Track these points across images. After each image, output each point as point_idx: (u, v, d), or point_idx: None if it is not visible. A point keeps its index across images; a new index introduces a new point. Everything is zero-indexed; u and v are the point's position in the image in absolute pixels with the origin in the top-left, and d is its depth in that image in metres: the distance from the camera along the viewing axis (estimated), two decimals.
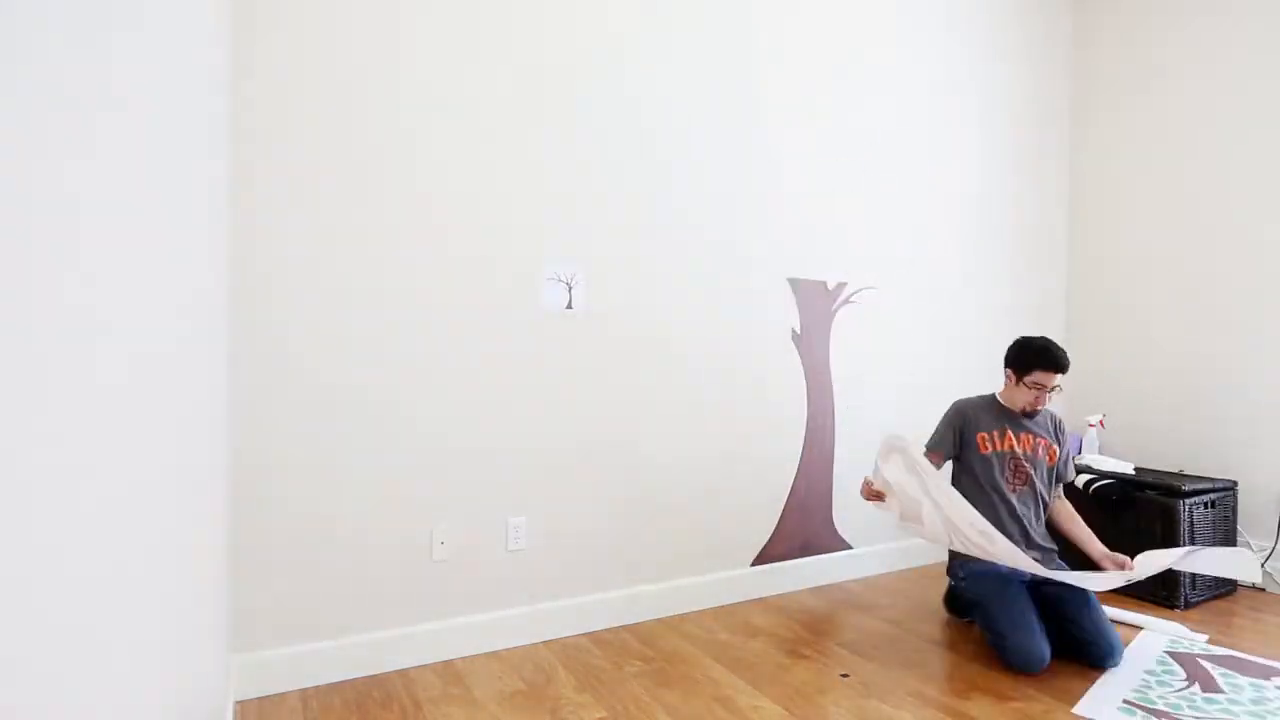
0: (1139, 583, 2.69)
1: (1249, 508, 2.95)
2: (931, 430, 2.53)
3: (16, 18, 0.40)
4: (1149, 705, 1.86)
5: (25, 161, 0.41)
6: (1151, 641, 2.32)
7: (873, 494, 2.22)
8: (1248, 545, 2.93)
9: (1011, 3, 3.40)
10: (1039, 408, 2.35)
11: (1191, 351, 3.17)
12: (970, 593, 2.28)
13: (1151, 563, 2.13)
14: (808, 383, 2.81)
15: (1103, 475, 2.91)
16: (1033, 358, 2.32)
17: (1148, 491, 2.74)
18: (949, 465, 2.49)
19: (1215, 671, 2.06)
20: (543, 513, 2.26)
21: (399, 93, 2.02)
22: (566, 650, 2.19)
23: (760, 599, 2.68)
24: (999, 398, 2.45)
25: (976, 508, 2.29)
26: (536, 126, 2.23)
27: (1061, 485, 2.48)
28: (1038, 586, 2.29)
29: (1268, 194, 2.94)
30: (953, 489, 2.16)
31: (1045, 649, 2.06)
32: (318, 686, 1.92)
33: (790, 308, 2.76)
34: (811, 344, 2.82)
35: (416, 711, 1.80)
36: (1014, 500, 2.35)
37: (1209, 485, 2.79)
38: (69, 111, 0.48)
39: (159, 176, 0.79)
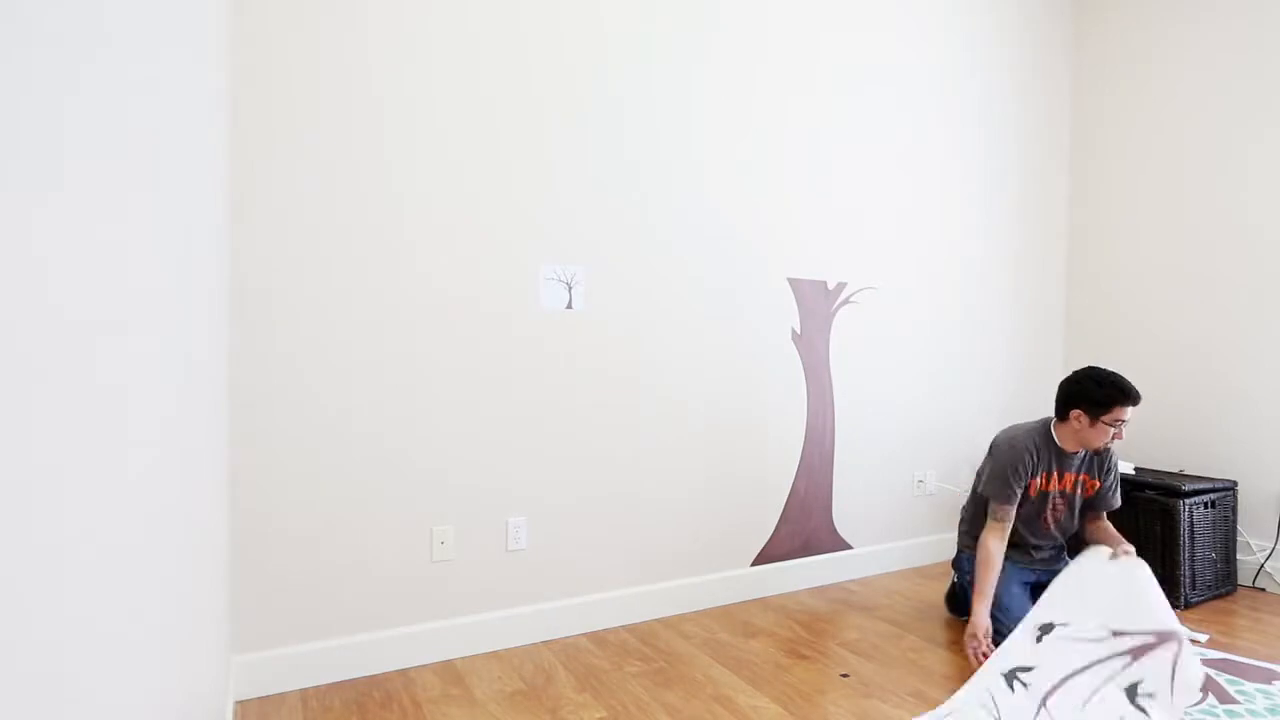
0: None
1: (1249, 508, 2.95)
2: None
3: (18, 22, 0.40)
4: None
5: (25, 160, 0.41)
6: None
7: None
8: (1248, 545, 2.93)
9: (1013, 2, 3.40)
10: (1108, 445, 2.20)
11: (1191, 352, 3.17)
12: (998, 614, 2.27)
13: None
14: (808, 383, 2.81)
15: None
16: (1112, 394, 2.13)
17: (1148, 491, 2.74)
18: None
19: (1222, 679, 2.06)
20: (543, 513, 2.26)
21: (399, 94, 2.02)
22: (566, 650, 2.19)
23: (760, 599, 2.68)
24: (1055, 435, 2.27)
25: (1010, 578, 2.30)
26: (537, 127, 2.23)
27: (1101, 513, 2.36)
28: (1040, 587, 2.29)
29: (1268, 194, 2.94)
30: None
31: None
32: (318, 686, 1.92)
33: (790, 308, 2.76)
34: (811, 344, 2.82)
35: (416, 711, 1.80)
36: (1051, 531, 2.35)
37: (1209, 485, 2.79)
38: (70, 108, 0.48)
39: (159, 176, 0.79)
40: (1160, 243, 3.29)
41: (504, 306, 2.19)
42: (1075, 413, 2.18)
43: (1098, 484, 2.32)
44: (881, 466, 3.02)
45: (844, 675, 2.05)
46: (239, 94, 1.83)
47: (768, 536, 2.74)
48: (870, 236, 2.96)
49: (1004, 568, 2.26)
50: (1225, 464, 3.03)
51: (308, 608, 1.93)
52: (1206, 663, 2.17)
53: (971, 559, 2.35)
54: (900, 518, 3.10)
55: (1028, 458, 2.24)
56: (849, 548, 2.94)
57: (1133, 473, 2.92)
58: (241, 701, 1.84)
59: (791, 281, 2.77)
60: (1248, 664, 2.17)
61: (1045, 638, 1.86)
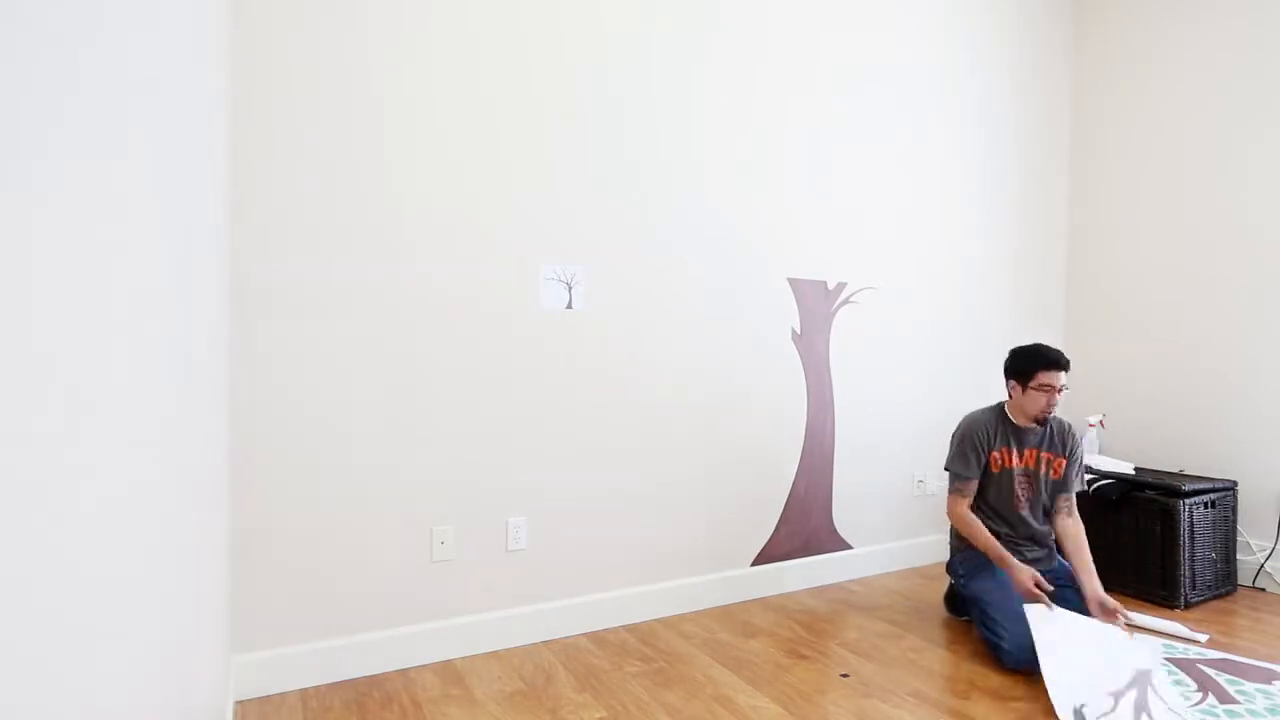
0: (1138, 582, 2.73)
1: (1249, 508, 2.95)
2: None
3: (18, 22, 0.40)
4: None
5: (26, 160, 0.41)
6: (1150, 645, 2.31)
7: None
8: (1248, 545, 2.93)
9: (1013, 2, 3.40)
10: (1052, 410, 2.31)
11: (1191, 351, 3.17)
12: (969, 590, 2.29)
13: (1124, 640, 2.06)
14: (808, 382, 2.81)
15: (1103, 475, 2.91)
16: (1033, 360, 2.31)
17: (1148, 491, 2.74)
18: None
19: (1222, 679, 2.06)
20: (543, 513, 2.26)
21: (399, 94, 2.02)
22: (566, 650, 2.19)
23: (760, 599, 2.68)
24: (1008, 411, 2.40)
25: (993, 524, 2.35)
26: (537, 127, 2.23)
27: (1071, 495, 2.38)
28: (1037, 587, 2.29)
29: (1268, 194, 2.94)
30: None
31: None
32: (318, 686, 1.92)
33: (790, 308, 2.76)
34: (811, 344, 2.82)
35: (416, 711, 1.80)
36: (1025, 514, 2.36)
37: (1209, 485, 2.79)
38: (70, 108, 0.48)
39: (159, 176, 0.79)
40: (1160, 243, 3.29)
41: (504, 306, 2.18)
42: (1011, 384, 2.37)
43: (1064, 462, 2.36)
44: (881, 466, 3.02)
45: (844, 675, 2.05)
46: (239, 94, 1.83)
47: (768, 536, 2.74)
48: (870, 236, 2.96)
49: (996, 579, 2.25)
50: (1225, 464, 3.03)
51: (308, 608, 1.93)
52: (1206, 663, 2.17)
53: (964, 561, 2.35)
54: (900, 518, 3.10)
55: (983, 431, 2.38)
56: (849, 548, 2.94)
57: (1133, 473, 2.92)
58: (241, 701, 1.84)
59: (791, 281, 2.77)
60: (1248, 664, 2.17)
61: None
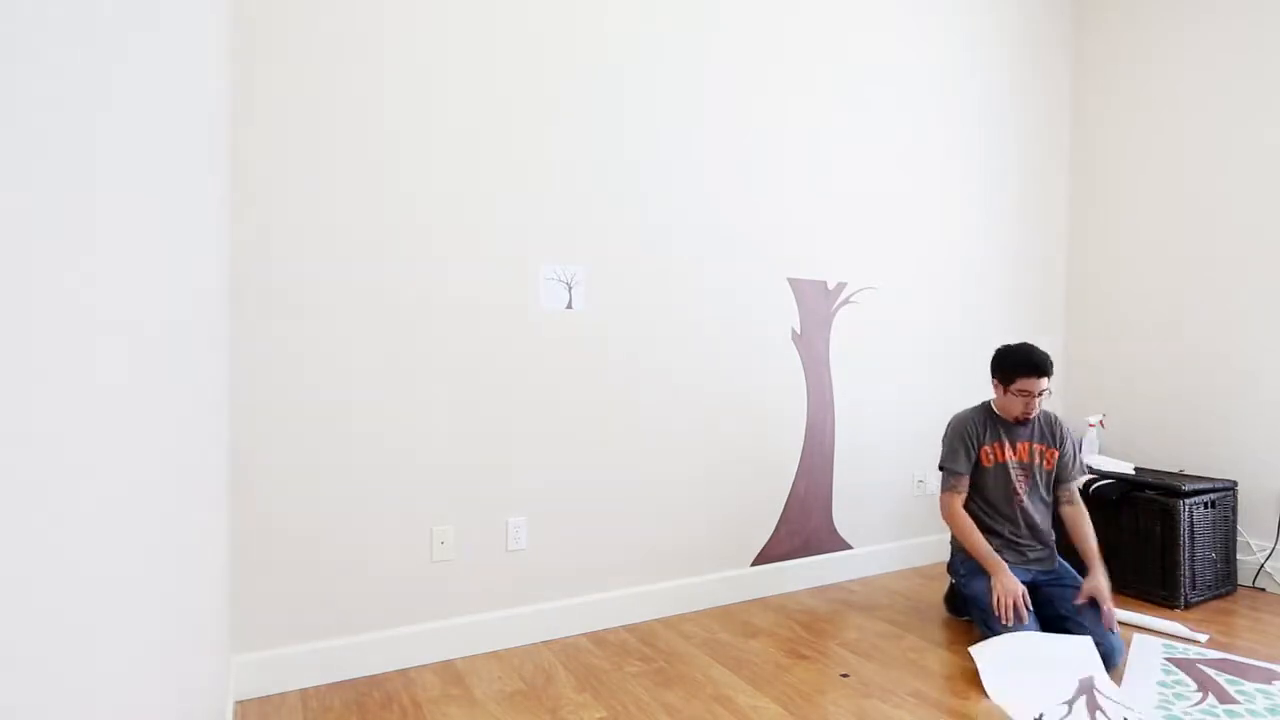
0: (1138, 582, 2.73)
1: (1249, 508, 2.95)
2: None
3: (19, 23, 0.40)
4: None
5: (26, 161, 0.41)
6: (1150, 645, 2.31)
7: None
8: (1248, 545, 2.93)
9: (1014, 2, 3.40)
10: (1031, 414, 2.31)
11: (1191, 351, 3.17)
12: (969, 590, 2.29)
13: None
14: (808, 382, 2.81)
15: (1103, 475, 2.91)
16: (1014, 365, 2.29)
17: (1148, 491, 2.74)
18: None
19: (1222, 679, 2.06)
20: (543, 513, 2.26)
21: (399, 94, 2.02)
22: (566, 650, 2.19)
23: (760, 599, 2.68)
24: (994, 406, 2.42)
25: (993, 522, 2.36)
26: (537, 128, 2.23)
27: (1073, 485, 2.40)
28: (1037, 587, 2.30)
29: (1268, 194, 2.94)
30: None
31: None
32: (318, 686, 1.92)
33: (790, 308, 2.76)
34: (811, 344, 2.82)
35: (416, 711, 1.80)
36: (1024, 509, 2.35)
37: (1209, 485, 2.79)
38: (70, 110, 0.48)
39: (159, 175, 0.79)
40: (1160, 242, 3.29)
41: (504, 306, 2.18)
42: (994, 382, 2.38)
43: (1057, 453, 2.37)
44: (881, 466, 3.02)
45: (844, 675, 2.05)
46: (240, 93, 1.83)
47: (768, 536, 2.74)
48: (870, 236, 2.96)
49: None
50: (1225, 464, 3.03)
51: (308, 608, 1.93)
52: (1206, 663, 2.17)
53: (965, 561, 2.35)
54: (900, 518, 3.10)
55: (971, 427, 2.39)
56: (849, 548, 2.94)
57: (1133, 473, 2.92)
58: (241, 701, 1.84)
59: (791, 281, 2.77)
60: (1248, 664, 2.17)
61: None
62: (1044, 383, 2.27)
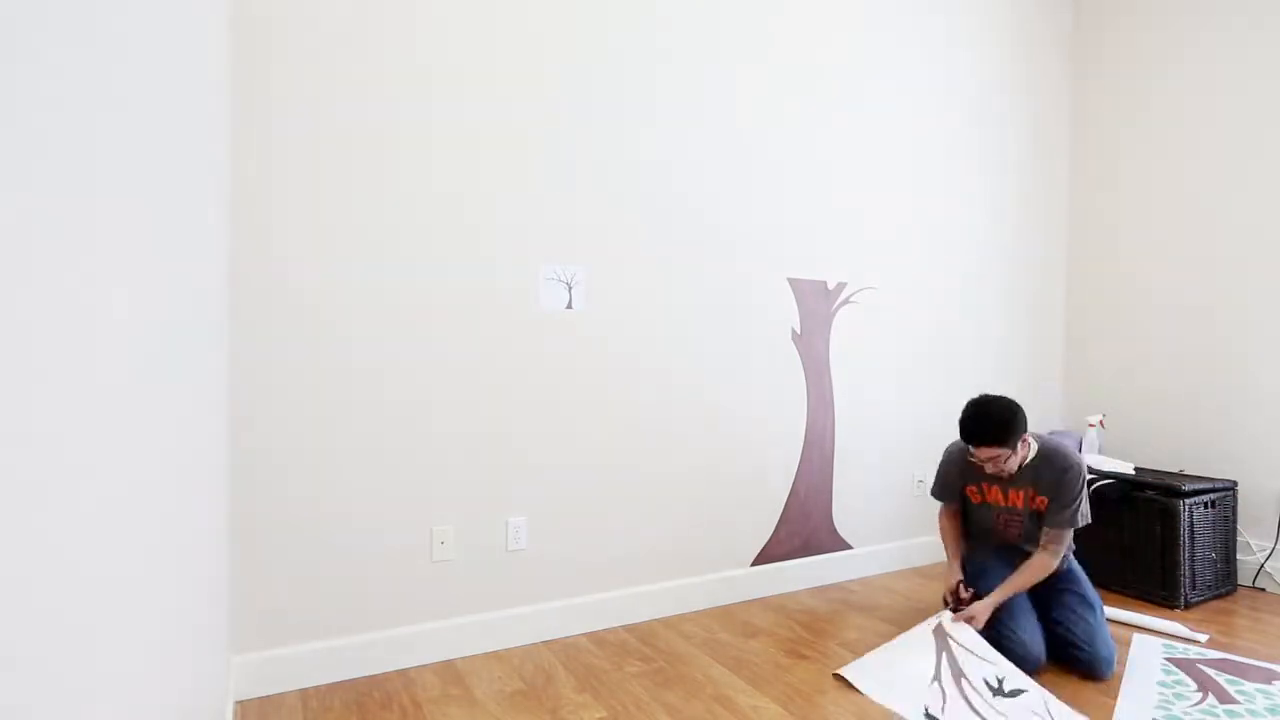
0: (1138, 582, 2.73)
1: (1249, 508, 2.95)
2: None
3: (19, 23, 0.40)
4: None
5: (26, 161, 0.41)
6: (1149, 645, 2.31)
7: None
8: (1248, 545, 2.93)
9: (1014, 1, 3.40)
10: (1001, 473, 2.12)
11: (1191, 351, 3.17)
12: (974, 588, 2.27)
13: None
14: (808, 383, 2.81)
15: (1103, 475, 2.91)
16: (961, 428, 2.10)
17: (1148, 491, 2.74)
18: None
19: (1222, 679, 2.06)
20: (543, 513, 2.26)
21: (399, 95, 2.02)
22: (566, 650, 2.19)
23: (760, 599, 2.68)
24: None
25: (991, 555, 2.33)
26: (537, 127, 2.23)
27: (1051, 531, 2.15)
28: (1039, 596, 2.28)
29: (1269, 194, 2.94)
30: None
31: (1042, 650, 2.07)
32: (318, 686, 1.92)
33: (790, 308, 2.76)
34: (811, 344, 2.82)
35: (416, 711, 1.80)
36: (1024, 547, 2.29)
37: (1209, 485, 2.79)
38: (70, 109, 0.48)
39: (159, 175, 0.79)
40: (1160, 242, 3.29)
41: (504, 306, 2.18)
42: None
43: (1046, 500, 2.16)
44: (881, 466, 3.02)
45: (837, 675, 2.05)
46: (239, 93, 1.83)
47: (768, 536, 2.74)
48: (870, 236, 2.96)
49: (1000, 580, 2.24)
50: (1225, 464, 3.03)
51: (308, 608, 1.93)
52: (1206, 663, 2.17)
53: (972, 559, 2.35)
54: (900, 518, 3.10)
55: (952, 465, 2.36)
56: (849, 548, 2.94)
57: (1133, 473, 2.92)
58: (241, 701, 1.84)
59: (791, 281, 2.77)
60: (1248, 664, 2.17)
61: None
62: (992, 452, 2.05)
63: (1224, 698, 1.95)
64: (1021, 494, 2.21)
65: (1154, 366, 3.30)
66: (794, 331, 2.78)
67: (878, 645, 2.26)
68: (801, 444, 2.80)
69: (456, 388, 2.12)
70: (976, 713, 1.83)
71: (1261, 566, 2.89)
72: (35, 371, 0.42)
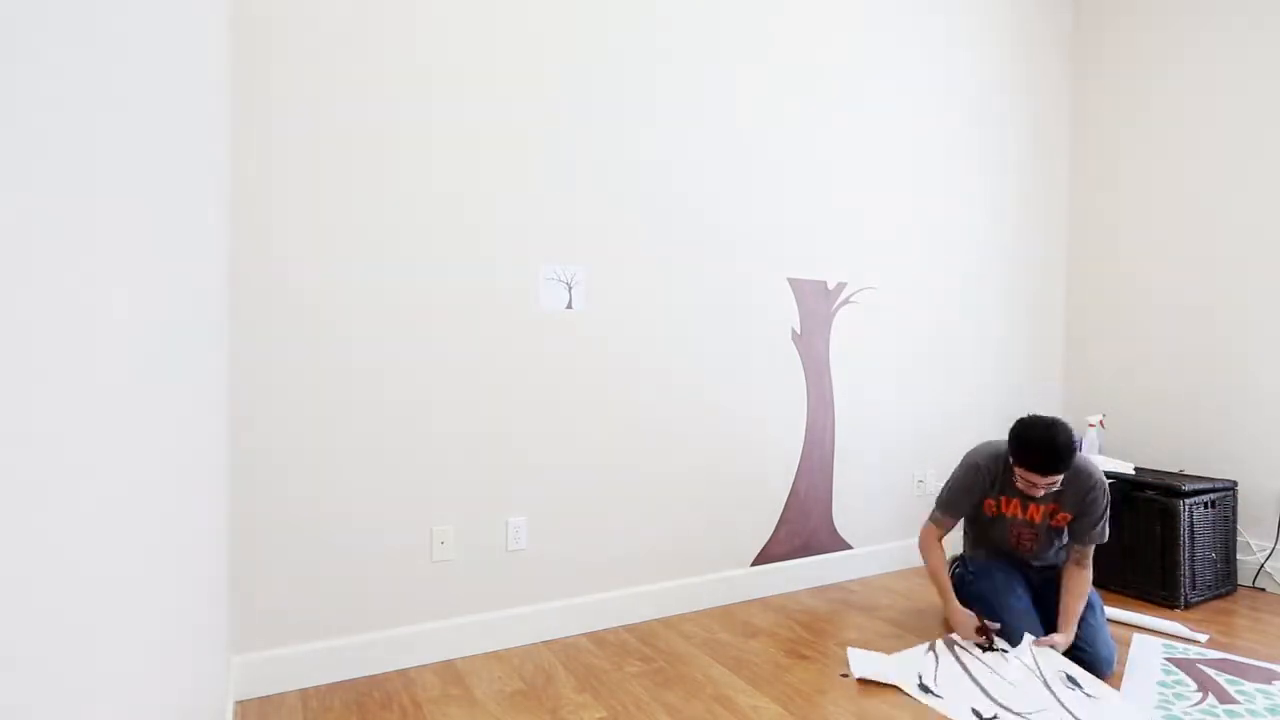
0: (1138, 582, 2.73)
1: (1249, 508, 2.95)
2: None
3: (19, 23, 0.40)
4: None
5: (26, 161, 0.41)
6: (1149, 645, 2.31)
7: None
8: (1248, 545, 2.93)
9: (1013, 2, 3.40)
10: (1036, 495, 2.09)
11: (1191, 351, 3.17)
12: (976, 589, 2.28)
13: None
14: (808, 383, 2.81)
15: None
16: (1019, 453, 2.05)
17: (1148, 491, 2.74)
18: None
19: (1221, 679, 2.06)
20: (543, 513, 2.26)
21: (399, 95, 2.02)
22: (566, 650, 2.19)
23: (760, 599, 2.68)
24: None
25: (991, 555, 2.33)
26: (537, 127, 2.23)
27: (1082, 549, 2.17)
28: (1039, 592, 2.29)
29: (1269, 193, 2.94)
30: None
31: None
32: (318, 686, 1.92)
33: (790, 308, 2.76)
34: (811, 344, 2.82)
35: (416, 711, 1.80)
36: (1034, 563, 2.29)
37: (1209, 485, 2.79)
38: (70, 109, 0.48)
39: (159, 175, 0.79)
40: (1160, 242, 3.29)
41: (504, 306, 2.18)
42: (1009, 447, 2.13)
43: (1068, 516, 2.17)
44: (881, 466, 3.02)
45: (844, 675, 2.05)
46: (239, 93, 1.83)
47: (768, 536, 2.74)
48: (870, 236, 2.96)
49: (1003, 578, 2.25)
50: (1225, 464, 3.03)
51: (308, 608, 1.93)
52: (1206, 663, 2.17)
53: (973, 559, 2.35)
54: (900, 518, 3.10)
55: (981, 478, 2.24)
56: (849, 548, 2.94)
57: (1133, 473, 2.92)
58: (241, 701, 1.84)
59: (791, 281, 2.77)
60: (1248, 664, 2.17)
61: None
62: (1056, 478, 2.02)
63: (1224, 698, 1.95)
64: (1042, 509, 2.19)
65: (1154, 366, 3.30)
66: (794, 331, 2.78)
67: (878, 645, 2.26)
68: (801, 444, 2.80)
69: (456, 388, 2.12)
70: (967, 670, 1.95)
71: (1261, 566, 2.89)
72: (35, 371, 0.42)
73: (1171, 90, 3.26)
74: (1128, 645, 2.30)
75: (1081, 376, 3.56)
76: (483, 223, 2.15)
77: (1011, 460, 2.10)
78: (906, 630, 2.39)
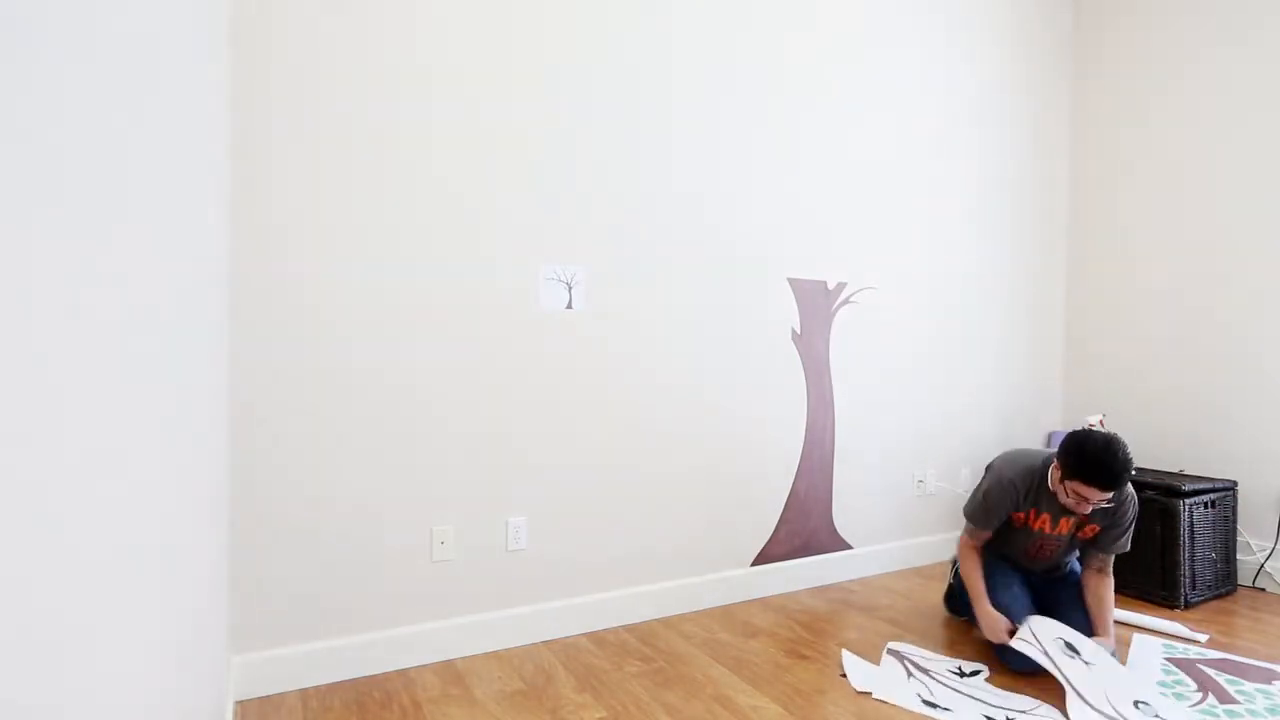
0: (1138, 582, 2.73)
1: (1249, 508, 2.95)
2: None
3: (19, 23, 0.40)
4: None
5: (25, 161, 0.41)
6: (1150, 645, 2.31)
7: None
8: (1248, 545, 2.93)
9: (1014, 2, 3.40)
10: (1081, 511, 2.02)
11: (1191, 351, 3.17)
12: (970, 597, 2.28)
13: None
14: (808, 383, 2.81)
15: None
16: (1078, 467, 1.95)
17: (1148, 491, 2.74)
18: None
19: (1221, 679, 2.06)
20: (543, 513, 2.26)
21: (400, 92, 2.02)
22: (566, 650, 2.19)
23: (760, 599, 2.68)
24: (1050, 477, 2.13)
25: (1006, 551, 2.30)
26: (538, 126, 2.23)
27: (1107, 558, 2.17)
28: (1037, 589, 2.29)
29: (1269, 193, 2.94)
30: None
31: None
32: (318, 686, 1.92)
33: (790, 308, 2.76)
34: (811, 344, 2.82)
35: (416, 711, 1.80)
36: (1039, 564, 2.27)
37: (1209, 485, 2.79)
38: (69, 109, 0.48)
39: (159, 174, 0.79)
40: (1160, 242, 3.29)
41: (504, 306, 2.18)
42: (1056, 463, 2.07)
43: (1098, 528, 2.14)
44: (881, 466, 3.02)
45: (844, 675, 2.05)
46: (240, 93, 1.83)
47: (768, 536, 2.74)
48: (870, 237, 2.96)
49: (1003, 570, 2.26)
50: (1225, 464, 3.03)
51: (308, 608, 1.93)
52: (1206, 663, 2.17)
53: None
54: (900, 518, 3.10)
55: (1014, 494, 2.17)
56: (849, 548, 2.94)
57: (1133, 473, 2.92)
58: (241, 701, 1.84)
59: (791, 281, 2.77)
60: (1248, 664, 2.17)
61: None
62: (1108, 496, 1.97)
63: (1224, 698, 1.95)
64: (1071, 520, 2.15)
65: (1154, 366, 3.30)
66: (794, 331, 2.78)
67: (878, 646, 2.26)
68: (801, 444, 2.80)
69: (456, 387, 2.12)
70: (958, 691, 1.96)
71: (1261, 566, 2.89)
72: (35, 371, 0.42)
73: (1172, 90, 3.26)
74: (1128, 645, 2.30)
75: (1081, 376, 3.56)
76: (483, 222, 2.15)
77: (1063, 476, 2.01)
78: (907, 630, 2.39)
